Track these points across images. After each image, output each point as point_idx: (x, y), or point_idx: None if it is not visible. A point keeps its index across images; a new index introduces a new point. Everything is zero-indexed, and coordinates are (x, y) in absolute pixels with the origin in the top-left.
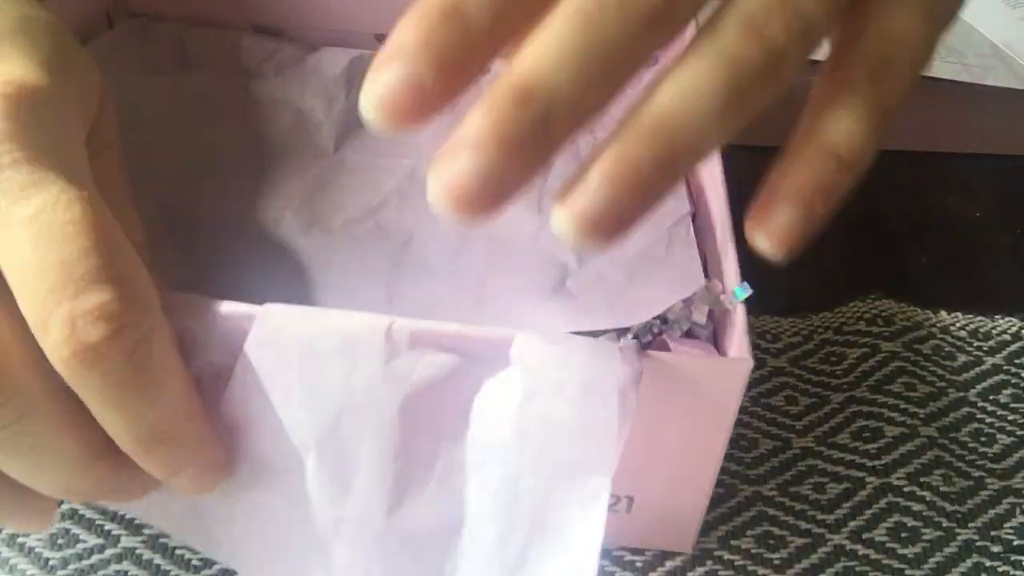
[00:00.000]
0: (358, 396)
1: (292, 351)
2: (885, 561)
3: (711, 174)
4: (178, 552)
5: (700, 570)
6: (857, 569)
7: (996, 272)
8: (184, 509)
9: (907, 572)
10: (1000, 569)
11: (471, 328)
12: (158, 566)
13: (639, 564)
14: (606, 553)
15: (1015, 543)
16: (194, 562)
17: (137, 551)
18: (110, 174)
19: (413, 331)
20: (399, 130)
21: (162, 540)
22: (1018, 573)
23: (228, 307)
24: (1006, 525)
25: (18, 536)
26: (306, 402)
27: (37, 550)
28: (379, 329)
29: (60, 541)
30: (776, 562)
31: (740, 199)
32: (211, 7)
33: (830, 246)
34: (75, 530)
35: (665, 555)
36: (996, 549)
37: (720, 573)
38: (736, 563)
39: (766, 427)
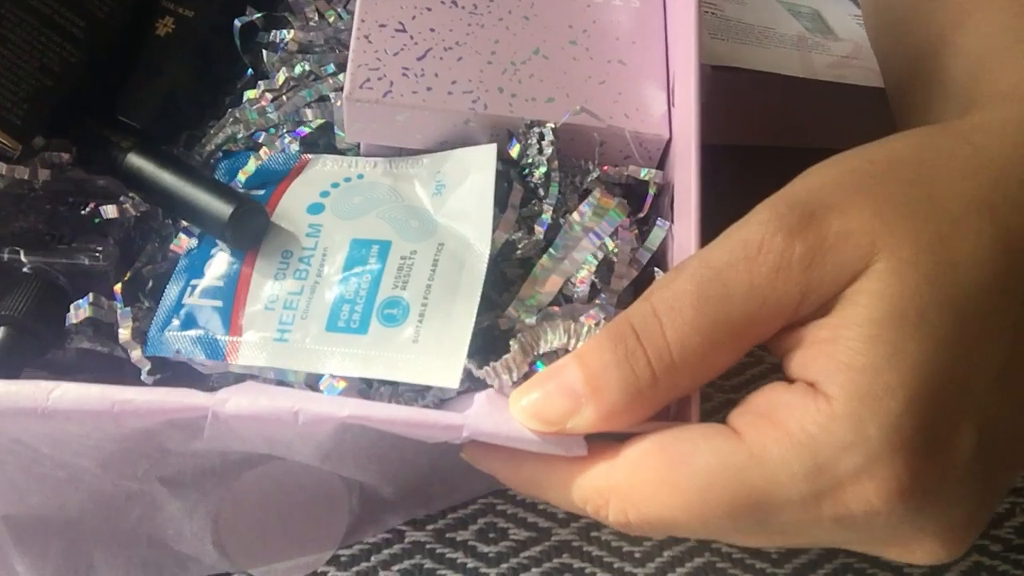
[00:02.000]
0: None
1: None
2: (884, 559)
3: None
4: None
5: (699, 560)
6: (855, 566)
7: None
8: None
9: (906, 569)
10: (1000, 568)
11: (422, 414)
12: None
13: (638, 555)
14: (604, 544)
15: (1015, 542)
16: None
17: None
18: None
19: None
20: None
21: None
22: (1018, 572)
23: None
24: (1006, 524)
25: None
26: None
27: None
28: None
29: None
30: (775, 556)
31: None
32: None
33: None
34: None
35: (663, 544)
36: (996, 548)
37: (718, 565)
38: (734, 555)
39: None
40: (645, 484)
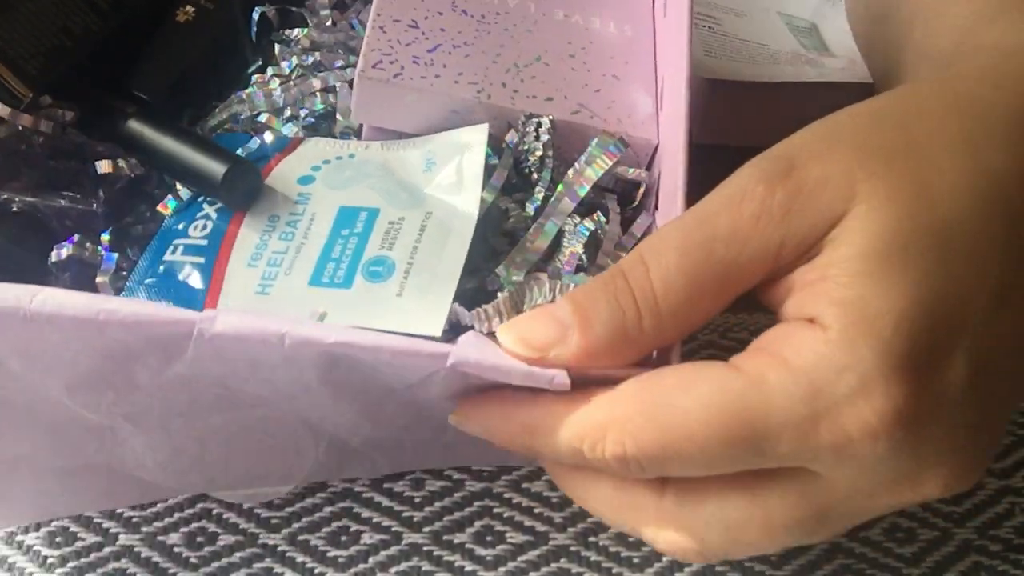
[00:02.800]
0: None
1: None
2: (883, 560)
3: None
4: (176, 550)
5: (697, 564)
6: (854, 567)
7: None
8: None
9: (904, 571)
10: (1000, 568)
11: (409, 342)
12: (156, 563)
13: (636, 560)
14: (602, 550)
15: (1015, 542)
16: (192, 560)
17: (135, 548)
18: None
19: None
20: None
21: (160, 538)
22: (1018, 572)
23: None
24: (1006, 524)
25: (16, 534)
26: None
27: (36, 548)
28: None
29: (59, 539)
30: (773, 558)
31: None
32: None
33: None
34: (73, 528)
35: None
36: (996, 548)
37: (717, 568)
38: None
39: None
40: (643, 412)
